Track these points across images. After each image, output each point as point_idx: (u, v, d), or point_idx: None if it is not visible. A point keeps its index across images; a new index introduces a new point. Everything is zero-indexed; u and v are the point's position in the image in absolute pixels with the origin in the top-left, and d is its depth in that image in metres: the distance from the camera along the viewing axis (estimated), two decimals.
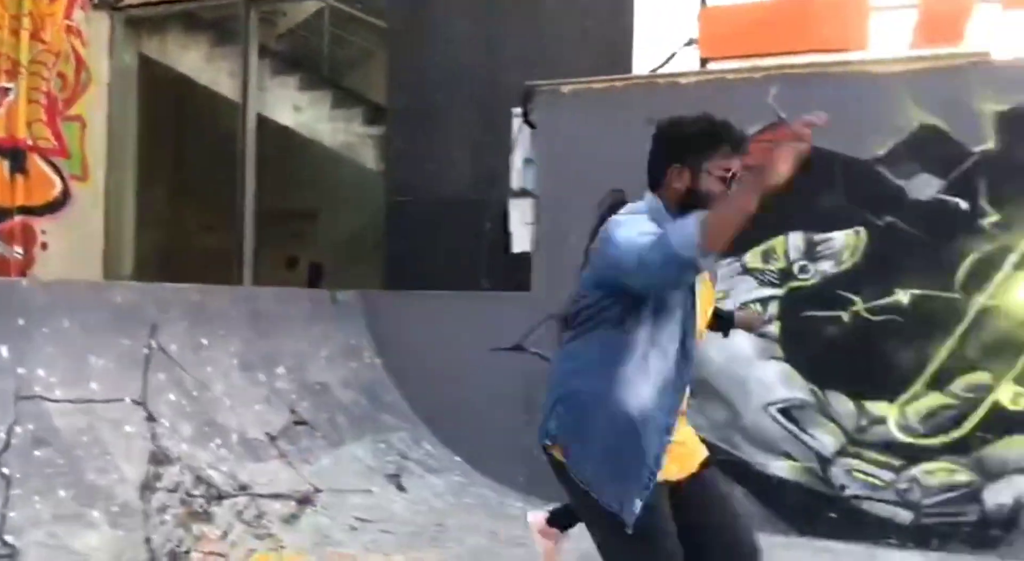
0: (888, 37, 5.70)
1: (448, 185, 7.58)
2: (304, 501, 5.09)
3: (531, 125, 6.41)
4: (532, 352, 6.22)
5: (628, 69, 7.06)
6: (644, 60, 7.03)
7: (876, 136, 5.44)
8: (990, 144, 5.22)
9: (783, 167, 2.32)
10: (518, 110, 6.58)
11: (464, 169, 7.54)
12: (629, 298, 2.58)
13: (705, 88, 5.88)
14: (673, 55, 6.29)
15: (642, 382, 2.57)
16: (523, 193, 6.52)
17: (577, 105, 6.20)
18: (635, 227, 2.54)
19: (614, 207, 2.98)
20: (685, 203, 2.63)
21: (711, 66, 6.10)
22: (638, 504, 2.54)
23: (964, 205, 5.26)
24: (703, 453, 2.85)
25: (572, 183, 6.13)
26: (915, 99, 5.37)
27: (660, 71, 6.42)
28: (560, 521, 4.15)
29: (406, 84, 7.80)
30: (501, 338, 6.30)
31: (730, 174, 2.62)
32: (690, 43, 6.11)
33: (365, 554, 4.61)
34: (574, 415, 2.65)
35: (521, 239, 6.56)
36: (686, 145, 2.66)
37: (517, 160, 6.64)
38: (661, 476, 2.61)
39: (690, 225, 2.34)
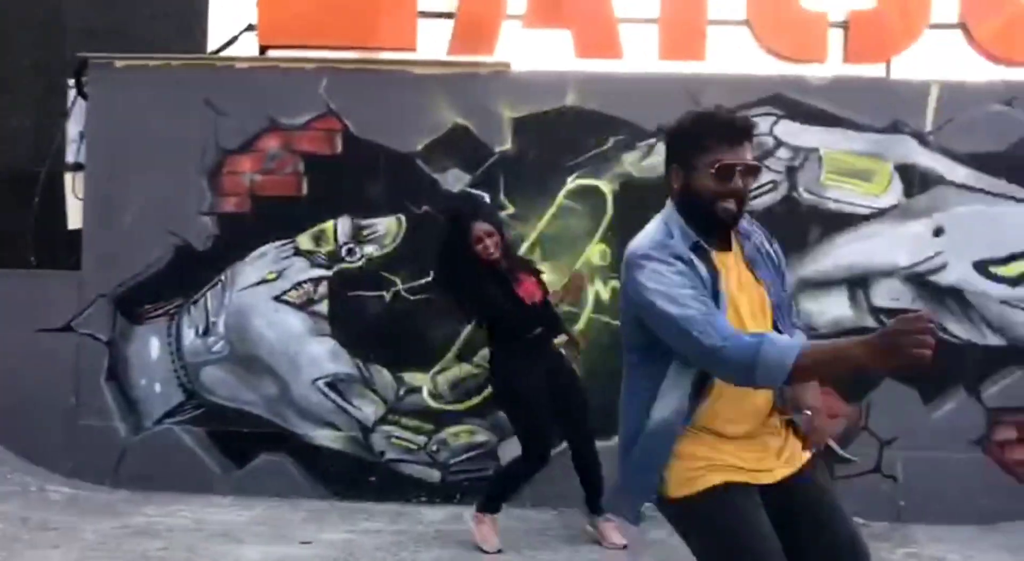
0: (434, 42, 6.21)
1: (4, 157, 7.10)
2: None
3: (85, 97, 6.19)
4: (83, 333, 6.06)
5: (203, 48, 7.05)
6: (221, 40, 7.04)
7: (415, 132, 5.96)
8: (508, 145, 5.94)
9: (898, 362, 2.05)
10: (72, 81, 6.31)
11: (25, 140, 7.10)
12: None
13: (260, 74, 6.08)
14: (234, 39, 6.37)
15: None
16: (78, 167, 6.29)
17: (132, 81, 6.10)
18: (667, 289, 2.33)
19: (458, 218, 2.98)
20: (684, 203, 2.46)
21: (272, 53, 6.25)
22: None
23: (487, 198, 5.95)
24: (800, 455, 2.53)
25: (126, 159, 6.06)
26: (449, 101, 5.97)
27: (222, 54, 6.44)
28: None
29: None
30: (49, 319, 6.06)
31: (722, 166, 2.38)
32: (250, 28, 6.22)
33: None
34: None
35: (76, 215, 6.32)
36: (674, 144, 2.50)
37: (72, 133, 6.38)
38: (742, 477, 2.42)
39: (790, 356, 2.15)
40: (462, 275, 4.80)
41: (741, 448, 2.44)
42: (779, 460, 2.48)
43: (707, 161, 2.39)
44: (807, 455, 2.53)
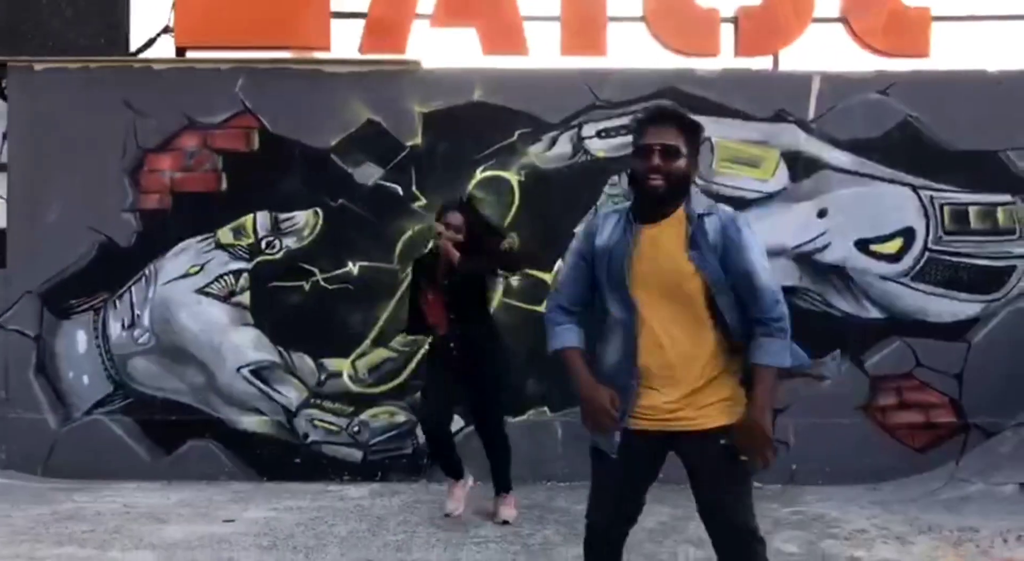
0: (347, 40, 6.48)
1: None
2: None
3: (5, 99, 6.35)
4: (10, 329, 6.24)
5: (126, 50, 7.23)
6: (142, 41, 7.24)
7: (329, 129, 6.23)
8: (418, 140, 6.24)
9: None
10: None
11: None
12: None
13: (177, 75, 6.30)
14: (152, 41, 6.58)
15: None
16: (1, 168, 6.45)
17: (52, 83, 6.28)
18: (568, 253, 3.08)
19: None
20: (631, 183, 2.82)
21: (190, 54, 6.47)
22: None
23: (399, 191, 6.24)
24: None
25: (49, 159, 6.25)
26: (361, 98, 6.24)
27: (141, 56, 6.65)
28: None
29: None
30: None
31: (638, 147, 2.74)
32: (167, 31, 6.44)
33: None
34: None
35: (1, 214, 6.48)
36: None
37: None
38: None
39: (549, 342, 2.91)
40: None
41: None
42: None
43: (636, 144, 2.77)
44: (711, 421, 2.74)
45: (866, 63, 6.43)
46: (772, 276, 2.80)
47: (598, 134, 6.21)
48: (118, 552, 4.51)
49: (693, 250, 2.72)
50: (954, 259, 6.20)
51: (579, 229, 3.12)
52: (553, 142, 6.21)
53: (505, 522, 4.95)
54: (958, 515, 5.18)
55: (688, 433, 2.73)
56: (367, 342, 6.24)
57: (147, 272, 6.22)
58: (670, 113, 2.82)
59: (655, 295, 2.75)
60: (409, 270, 5.39)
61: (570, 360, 2.85)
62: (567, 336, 2.89)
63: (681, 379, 2.74)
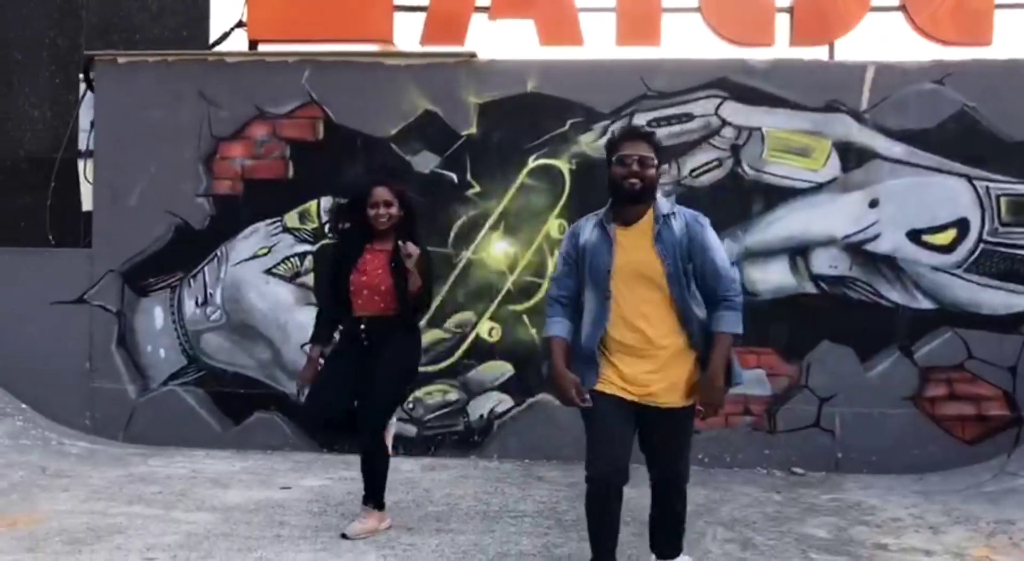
0: (409, 33, 6.73)
1: (27, 144, 7.74)
2: None
3: (93, 90, 6.81)
4: (94, 304, 6.72)
5: (205, 43, 7.62)
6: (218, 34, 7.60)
7: (389, 119, 6.50)
8: (473, 129, 6.46)
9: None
10: (82, 75, 6.95)
11: (43, 129, 7.73)
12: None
13: (248, 67, 6.65)
14: (226, 34, 6.94)
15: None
16: (89, 154, 6.92)
17: (134, 75, 6.71)
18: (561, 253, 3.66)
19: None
20: (609, 187, 3.52)
21: (261, 48, 6.82)
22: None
23: (455, 178, 6.48)
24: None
25: (130, 147, 6.68)
26: (420, 89, 6.49)
27: (215, 50, 7.02)
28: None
29: None
30: (64, 292, 6.73)
31: (619, 156, 3.44)
32: (240, 25, 6.79)
33: None
34: None
35: (89, 197, 6.96)
36: (607, 150, 3.58)
37: (84, 123, 7.01)
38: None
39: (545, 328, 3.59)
40: (340, 230, 4.65)
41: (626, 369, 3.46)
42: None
43: (616, 156, 3.44)
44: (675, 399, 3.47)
45: (925, 52, 6.36)
46: (726, 260, 3.50)
47: (649, 124, 6.31)
48: (181, 512, 4.88)
49: (658, 244, 3.41)
50: (1010, 251, 6.13)
51: (565, 234, 3.62)
52: (604, 131, 6.35)
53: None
54: (998, 507, 5.18)
55: (658, 408, 3.43)
56: (422, 323, 6.47)
57: (219, 253, 6.61)
58: (642, 131, 3.57)
59: (630, 283, 3.42)
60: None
61: (554, 348, 3.53)
62: (557, 327, 3.55)
63: (657, 351, 3.42)
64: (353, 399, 4.45)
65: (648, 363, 3.41)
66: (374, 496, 4.54)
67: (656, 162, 3.43)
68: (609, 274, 3.41)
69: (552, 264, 6.34)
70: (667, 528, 3.69)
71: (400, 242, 4.36)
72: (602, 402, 3.43)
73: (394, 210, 4.44)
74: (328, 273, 4.68)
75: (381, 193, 4.42)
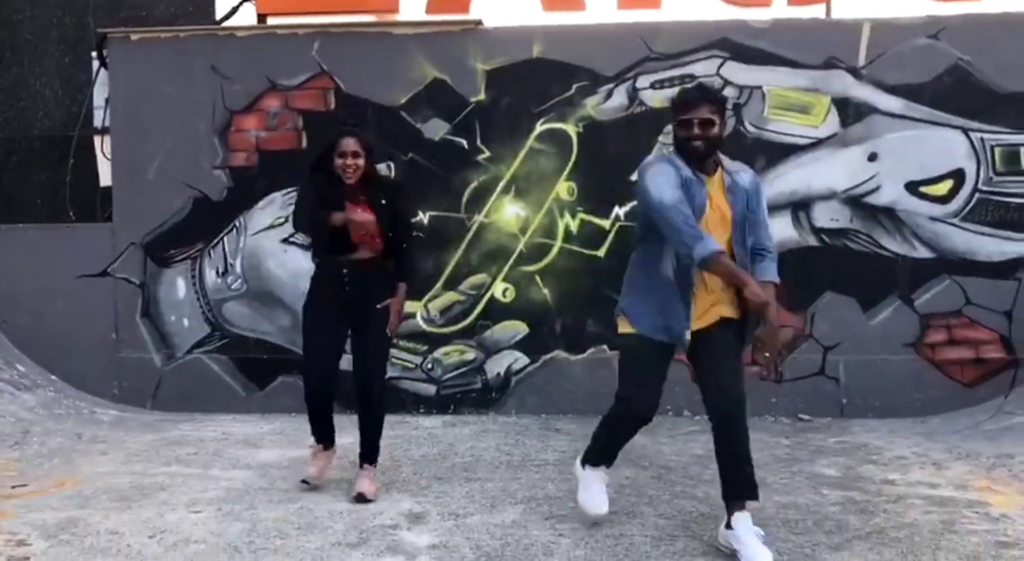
0: (413, 3, 6.87)
1: (40, 122, 7.88)
2: None
3: (107, 67, 6.95)
4: (118, 277, 6.91)
5: (212, 18, 7.74)
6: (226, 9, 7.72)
7: (399, 87, 6.66)
8: (482, 96, 6.62)
9: (758, 303, 3.44)
10: (95, 53, 7.08)
11: (54, 107, 7.87)
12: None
13: (259, 41, 6.79)
14: (235, 9, 7.06)
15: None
16: (105, 131, 7.07)
17: (147, 52, 6.84)
18: (665, 181, 3.56)
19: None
20: (676, 146, 3.65)
21: (270, 21, 6.95)
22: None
23: (465, 144, 6.65)
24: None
25: (145, 122, 6.83)
26: (428, 58, 6.65)
27: (225, 24, 7.15)
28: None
29: None
30: (88, 266, 6.91)
31: (681, 120, 3.58)
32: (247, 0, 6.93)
33: None
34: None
35: (107, 173, 7.13)
36: (671, 111, 3.69)
37: (98, 100, 7.16)
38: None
39: (706, 247, 3.42)
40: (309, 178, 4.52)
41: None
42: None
43: (678, 119, 3.60)
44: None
45: (919, 7, 6.52)
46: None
47: (652, 85, 6.50)
48: (219, 471, 5.11)
49: (729, 194, 3.64)
50: (1004, 199, 6.34)
51: (656, 167, 3.60)
52: (609, 94, 6.52)
53: (361, 496, 4.37)
54: (996, 444, 5.43)
55: (711, 325, 3.64)
56: (438, 285, 6.71)
57: (238, 224, 6.80)
58: (701, 94, 3.67)
59: (709, 225, 3.58)
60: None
61: (728, 261, 3.54)
62: (711, 246, 3.45)
63: (716, 291, 3.64)
64: (339, 360, 4.52)
65: (710, 299, 3.65)
66: (373, 454, 4.59)
67: (718, 121, 3.56)
68: (704, 215, 3.56)
69: (563, 226, 6.55)
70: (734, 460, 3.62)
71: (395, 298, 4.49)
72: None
73: (361, 162, 4.35)
74: (311, 201, 4.46)
75: (349, 143, 4.33)
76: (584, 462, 4.03)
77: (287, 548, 3.74)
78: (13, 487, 4.71)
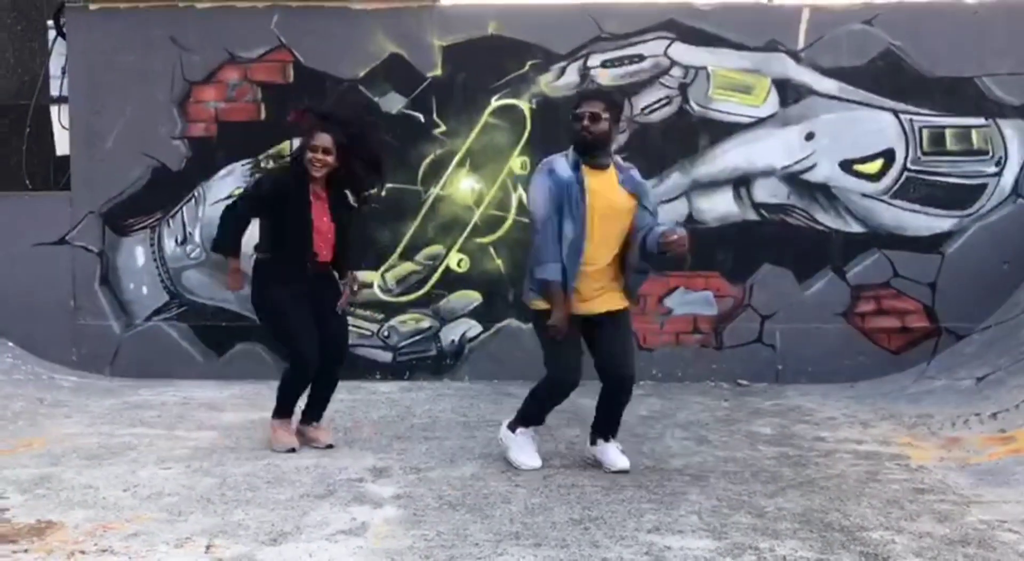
0: None
1: None
2: None
3: (64, 37, 6.98)
4: (76, 245, 6.98)
5: None
6: None
7: (357, 62, 6.82)
8: (438, 71, 6.82)
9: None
10: (51, 22, 7.11)
11: (7, 75, 7.86)
12: None
13: (218, 13, 6.88)
14: None
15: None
16: (62, 100, 7.11)
17: (105, 22, 6.88)
18: (538, 194, 4.22)
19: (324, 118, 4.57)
20: (571, 138, 4.20)
21: None
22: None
23: (422, 118, 6.85)
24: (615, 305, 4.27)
25: (103, 91, 6.89)
26: (385, 33, 6.81)
27: None
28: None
29: None
30: (45, 234, 6.97)
31: (574, 114, 4.14)
32: None
33: None
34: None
35: (63, 142, 7.17)
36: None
37: (55, 69, 7.19)
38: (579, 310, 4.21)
39: (546, 273, 4.14)
40: (282, 197, 4.61)
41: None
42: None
43: (572, 112, 4.16)
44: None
45: None
46: None
47: (603, 64, 6.76)
48: (184, 432, 5.27)
49: (623, 187, 4.19)
50: (931, 178, 6.74)
51: (537, 181, 4.19)
52: (562, 72, 6.77)
53: (330, 445, 4.81)
54: (918, 405, 5.84)
55: (602, 314, 4.24)
56: (395, 256, 6.92)
57: (196, 193, 6.91)
58: (594, 91, 4.68)
59: (596, 215, 4.11)
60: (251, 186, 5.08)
61: (561, 295, 4.17)
62: (549, 271, 4.16)
63: (602, 275, 4.22)
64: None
65: (597, 284, 4.22)
66: (320, 413, 4.99)
67: (606, 118, 4.07)
68: (585, 205, 4.10)
69: (517, 198, 6.79)
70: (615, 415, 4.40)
71: (350, 278, 4.84)
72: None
73: (330, 159, 4.51)
74: (262, 201, 4.66)
75: (323, 139, 4.49)
76: (513, 427, 4.50)
77: (258, 499, 3.95)
78: None
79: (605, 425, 4.41)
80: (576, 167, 4.13)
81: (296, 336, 4.67)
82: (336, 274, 4.85)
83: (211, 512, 3.76)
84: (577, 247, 4.11)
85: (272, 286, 4.69)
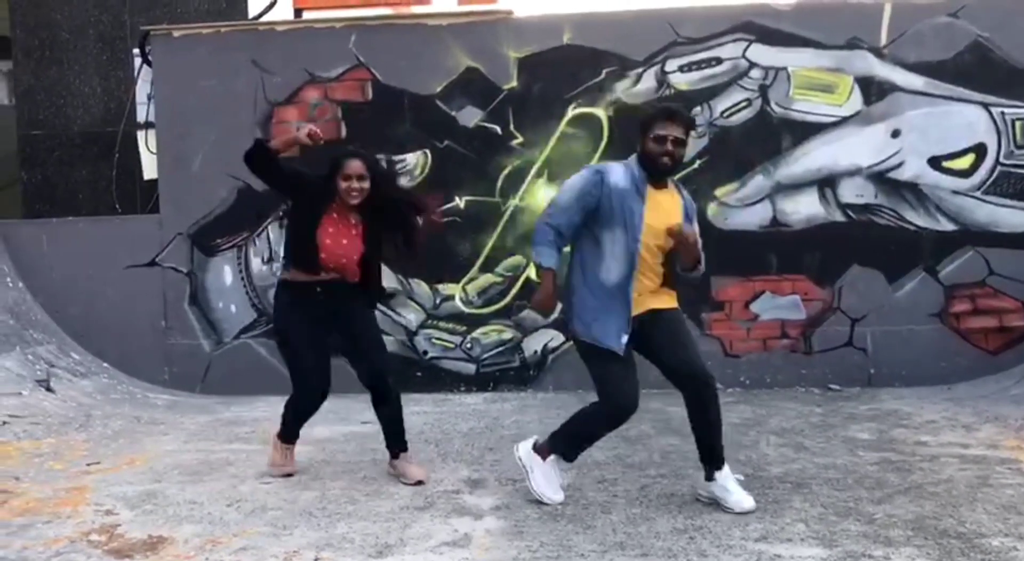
0: None
1: (80, 119, 8.15)
2: None
3: (149, 64, 7.18)
4: (166, 266, 7.16)
5: (244, 13, 7.97)
6: (260, 5, 7.95)
7: (434, 77, 6.87)
8: (514, 83, 6.83)
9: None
10: (137, 50, 7.32)
11: (95, 103, 8.13)
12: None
13: (297, 35, 7.01)
14: (272, 4, 7.29)
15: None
16: (148, 125, 7.31)
17: (188, 48, 7.07)
18: (569, 185, 3.88)
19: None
20: (640, 156, 3.82)
21: (306, 15, 7.18)
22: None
23: (499, 130, 6.87)
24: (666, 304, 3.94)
25: (188, 116, 7.07)
26: (461, 47, 6.86)
27: (263, 19, 7.38)
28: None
29: (29, 21, 8.16)
30: (136, 256, 7.16)
31: (657, 136, 3.73)
32: None
33: (17, 442, 5.45)
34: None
35: (150, 167, 7.37)
36: (642, 122, 3.84)
37: (140, 95, 7.40)
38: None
39: (540, 256, 3.82)
40: (308, 192, 4.53)
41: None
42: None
43: (653, 133, 3.76)
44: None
45: None
46: None
47: (680, 69, 6.70)
48: None
49: (684, 217, 3.88)
50: None
51: (581, 176, 3.83)
52: (638, 78, 6.73)
53: (420, 482, 4.40)
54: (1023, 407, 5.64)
55: (650, 314, 3.87)
56: (475, 268, 6.94)
57: (281, 212, 7.03)
58: (682, 115, 3.85)
59: (652, 238, 3.80)
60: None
61: (549, 278, 3.84)
62: (556, 259, 3.84)
63: (649, 289, 3.87)
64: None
65: (645, 300, 3.88)
66: (405, 441, 4.63)
67: (687, 142, 3.82)
68: (642, 223, 3.76)
69: None
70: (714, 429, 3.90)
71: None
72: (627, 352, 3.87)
73: (366, 185, 4.37)
74: (301, 176, 4.61)
75: (357, 167, 4.36)
76: (544, 452, 4.07)
77: (359, 512, 3.98)
78: (88, 464, 4.96)
79: (709, 450, 3.92)
80: (641, 182, 3.80)
81: (301, 360, 4.52)
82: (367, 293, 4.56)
83: (315, 525, 3.80)
84: (631, 261, 3.78)
85: (287, 310, 4.50)
